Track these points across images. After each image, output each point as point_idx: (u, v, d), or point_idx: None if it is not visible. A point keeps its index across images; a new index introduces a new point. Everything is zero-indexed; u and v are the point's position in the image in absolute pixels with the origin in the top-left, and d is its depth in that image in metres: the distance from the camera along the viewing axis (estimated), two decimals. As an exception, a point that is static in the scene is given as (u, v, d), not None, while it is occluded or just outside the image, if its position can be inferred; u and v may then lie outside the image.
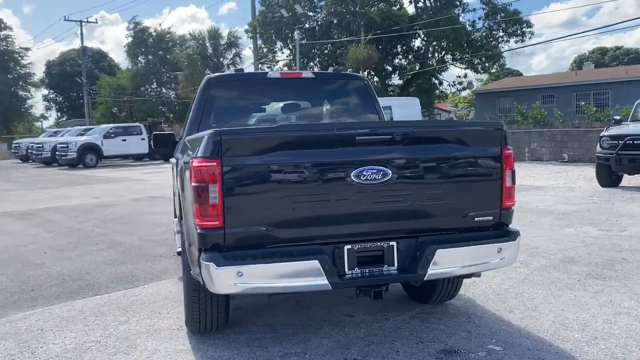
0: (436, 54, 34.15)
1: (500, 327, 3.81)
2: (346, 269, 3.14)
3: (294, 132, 3.20)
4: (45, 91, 62.08)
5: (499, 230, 3.41)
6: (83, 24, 46.40)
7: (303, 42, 30.81)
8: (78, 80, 48.66)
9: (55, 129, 38.74)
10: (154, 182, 16.12)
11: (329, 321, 4.01)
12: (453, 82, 35.62)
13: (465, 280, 4.25)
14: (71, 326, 4.06)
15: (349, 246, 3.13)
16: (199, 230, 2.96)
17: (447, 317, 4.03)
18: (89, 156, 26.31)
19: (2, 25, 56.20)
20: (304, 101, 5.15)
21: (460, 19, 32.01)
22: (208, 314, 3.58)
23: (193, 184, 2.94)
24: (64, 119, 58.15)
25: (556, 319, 3.91)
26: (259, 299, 4.42)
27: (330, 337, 3.70)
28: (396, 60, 35.95)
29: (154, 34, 47.66)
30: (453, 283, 4.05)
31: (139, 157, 29.80)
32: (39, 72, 64.22)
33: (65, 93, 61.52)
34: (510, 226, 3.49)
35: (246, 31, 34.05)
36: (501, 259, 3.34)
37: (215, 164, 2.89)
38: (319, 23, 33.92)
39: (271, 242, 3.03)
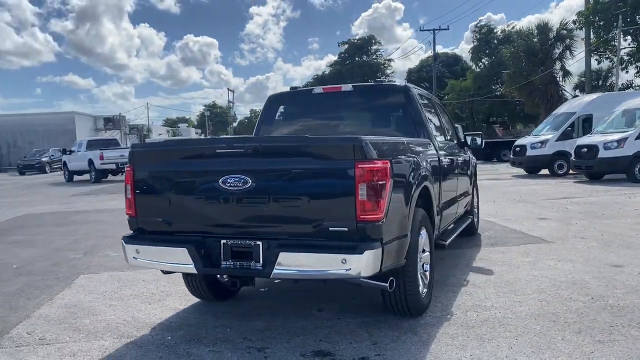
0: None
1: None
2: (222, 260, 3.80)
3: (174, 146, 4.03)
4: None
5: (349, 242, 3.45)
6: (436, 31, 50.53)
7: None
8: (426, 85, 52.57)
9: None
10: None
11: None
12: None
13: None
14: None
15: (225, 241, 3.78)
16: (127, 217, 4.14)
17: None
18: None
19: (373, 41, 65.13)
20: (342, 113, 5.56)
21: None
22: None
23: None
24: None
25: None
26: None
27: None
28: None
29: (500, 35, 47.75)
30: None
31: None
32: (400, 81, 71.74)
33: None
34: (382, 240, 3.47)
35: (574, 22, 31.11)
36: (347, 269, 3.40)
37: (130, 169, 4.01)
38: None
39: (165, 231, 3.96)
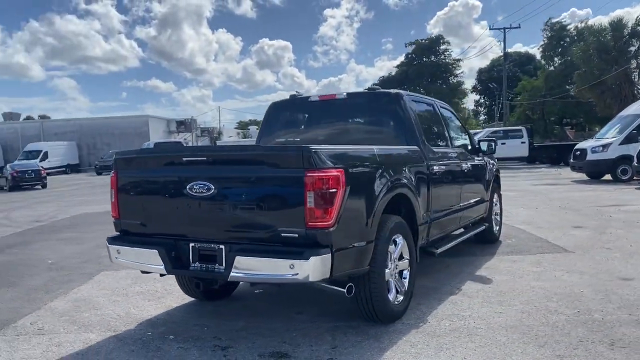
0: None
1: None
2: (191, 262, 4.03)
3: (150, 154, 4.28)
4: (476, 97, 67.53)
5: (298, 248, 3.56)
6: (507, 30, 48.95)
7: None
8: (493, 86, 51.05)
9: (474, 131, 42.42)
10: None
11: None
12: None
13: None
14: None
15: (193, 244, 4.01)
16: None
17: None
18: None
19: (442, 41, 63.99)
20: (336, 121, 5.65)
21: None
22: None
23: (112, 188, 4.45)
24: (488, 122, 62.03)
25: None
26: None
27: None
28: None
29: (573, 32, 45.60)
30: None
31: (519, 160, 30.48)
32: (470, 80, 70.15)
33: (492, 97, 65.22)
34: (332, 246, 3.56)
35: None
36: (294, 274, 3.52)
37: (114, 174, 4.33)
38: None
39: (143, 233, 4.24)
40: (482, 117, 71.37)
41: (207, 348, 3.99)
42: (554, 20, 46.73)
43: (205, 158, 3.96)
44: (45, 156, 43.03)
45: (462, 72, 63.67)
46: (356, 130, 5.62)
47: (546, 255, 6.67)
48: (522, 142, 29.26)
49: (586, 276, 5.62)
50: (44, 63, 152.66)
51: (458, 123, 6.94)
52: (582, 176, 19.70)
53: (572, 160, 19.66)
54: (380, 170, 4.20)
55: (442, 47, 64.46)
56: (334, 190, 3.59)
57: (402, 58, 66.88)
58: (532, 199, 13.22)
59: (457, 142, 6.53)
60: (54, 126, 52.74)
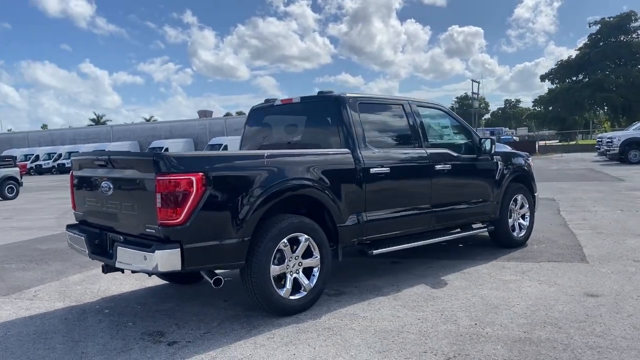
0: None
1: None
2: (108, 249, 4.78)
3: (84, 156, 5.09)
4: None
5: (151, 242, 4.08)
6: None
7: None
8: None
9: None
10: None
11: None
12: None
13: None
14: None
15: (109, 234, 4.76)
16: None
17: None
18: (633, 152, 25.16)
19: (633, 18, 56.61)
20: (292, 125, 5.94)
21: None
22: None
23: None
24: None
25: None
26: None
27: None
28: None
29: None
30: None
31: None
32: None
33: None
34: (181, 242, 4.03)
35: None
36: (147, 266, 4.08)
37: (71, 172, 5.28)
38: None
39: (85, 222, 5.10)
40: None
41: (118, 323, 4.72)
42: None
43: (102, 162, 4.69)
44: (225, 149, 48.40)
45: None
46: (305, 133, 5.86)
47: (551, 265, 6.13)
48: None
49: (553, 290, 5.15)
50: (249, 63, 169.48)
51: (449, 122, 6.68)
52: None
53: None
54: (257, 174, 4.47)
55: (635, 24, 57.01)
56: (184, 192, 4.03)
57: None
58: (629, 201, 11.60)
59: (443, 142, 6.32)
60: (235, 122, 58.69)
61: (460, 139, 6.69)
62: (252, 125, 6.39)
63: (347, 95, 5.46)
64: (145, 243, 4.18)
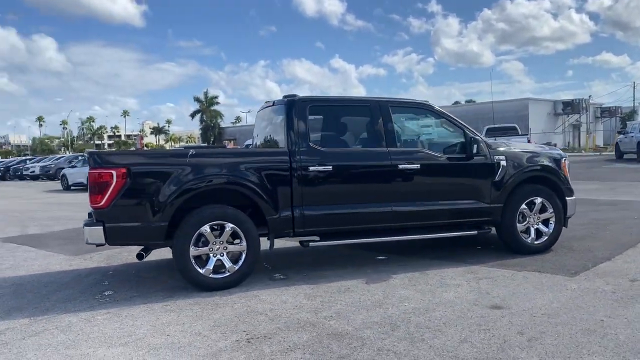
0: None
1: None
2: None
3: None
4: None
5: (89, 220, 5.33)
6: None
7: None
8: None
9: None
10: None
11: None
12: None
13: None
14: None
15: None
16: None
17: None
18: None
19: None
20: (266, 125, 6.56)
21: None
22: None
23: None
24: None
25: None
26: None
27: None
28: None
29: None
30: None
31: None
32: None
33: None
34: (104, 222, 5.17)
35: None
36: (84, 238, 5.32)
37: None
38: None
39: None
40: None
41: (100, 282, 6.08)
42: None
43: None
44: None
45: None
46: (267, 134, 6.53)
47: (523, 274, 5.67)
48: None
49: (471, 295, 4.92)
50: (494, 49, 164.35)
51: (438, 123, 6.65)
52: None
53: None
54: (177, 169, 5.30)
55: None
56: (106, 182, 5.12)
57: None
58: None
59: (420, 141, 6.24)
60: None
61: (453, 139, 6.49)
62: (259, 123, 7.17)
63: (298, 98, 5.93)
64: (89, 222, 5.42)
